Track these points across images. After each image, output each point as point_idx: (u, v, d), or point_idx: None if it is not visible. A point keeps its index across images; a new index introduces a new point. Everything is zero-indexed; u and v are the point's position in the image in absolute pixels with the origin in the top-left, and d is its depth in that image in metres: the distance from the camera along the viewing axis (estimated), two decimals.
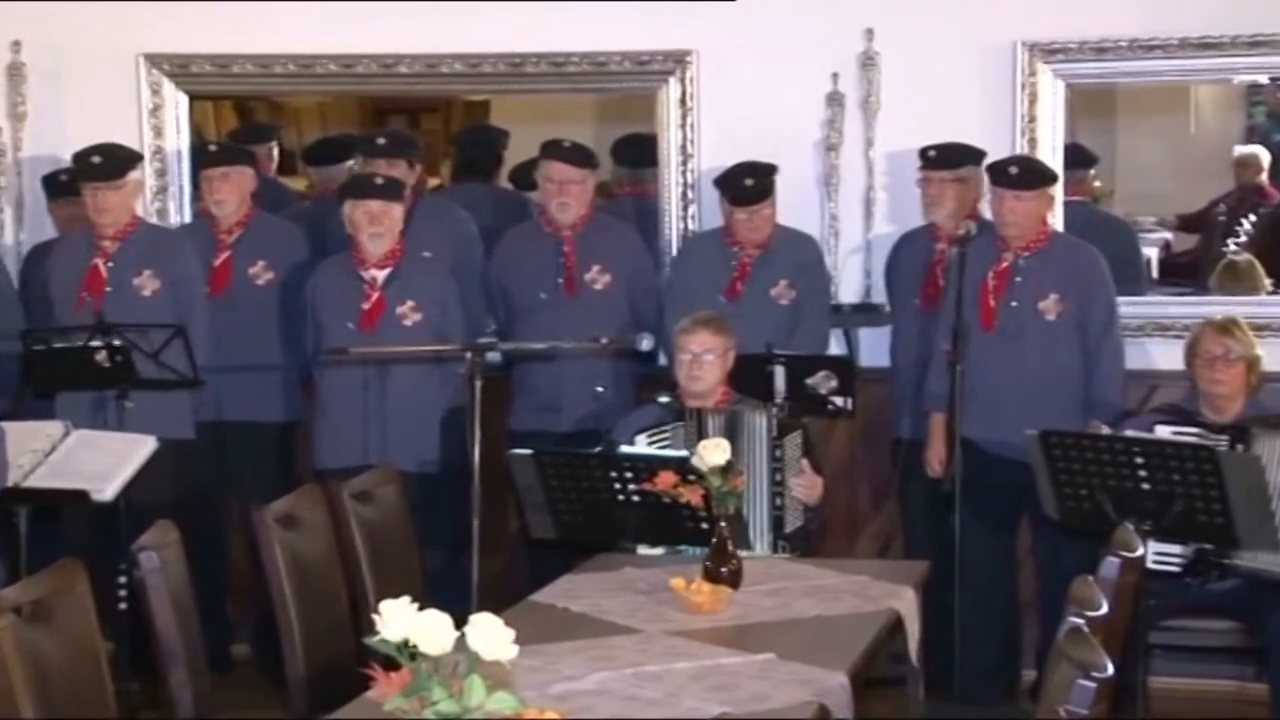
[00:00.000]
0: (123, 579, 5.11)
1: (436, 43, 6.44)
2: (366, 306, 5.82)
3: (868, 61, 6.26)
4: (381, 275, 5.85)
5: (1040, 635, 5.74)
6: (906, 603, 4.32)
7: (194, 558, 3.92)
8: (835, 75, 6.27)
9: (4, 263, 6.28)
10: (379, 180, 5.90)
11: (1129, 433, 5.03)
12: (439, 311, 5.86)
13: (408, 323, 5.81)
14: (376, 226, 5.79)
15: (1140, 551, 3.70)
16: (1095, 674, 2.67)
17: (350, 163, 6.82)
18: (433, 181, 8.12)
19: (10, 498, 4.83)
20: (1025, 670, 5.87)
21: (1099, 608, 3.12)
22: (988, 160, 5.86)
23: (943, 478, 5.58)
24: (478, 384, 4.69)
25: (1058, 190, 6.02)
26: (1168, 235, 8.09)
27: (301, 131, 8.61)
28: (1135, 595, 3.86)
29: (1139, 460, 4.69)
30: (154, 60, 6.53)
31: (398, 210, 5.84)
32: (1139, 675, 4.86)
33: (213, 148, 6.44)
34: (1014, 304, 5.65)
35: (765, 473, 4.93)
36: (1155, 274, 7.42)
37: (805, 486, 4.99)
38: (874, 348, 6.27)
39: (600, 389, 5.80)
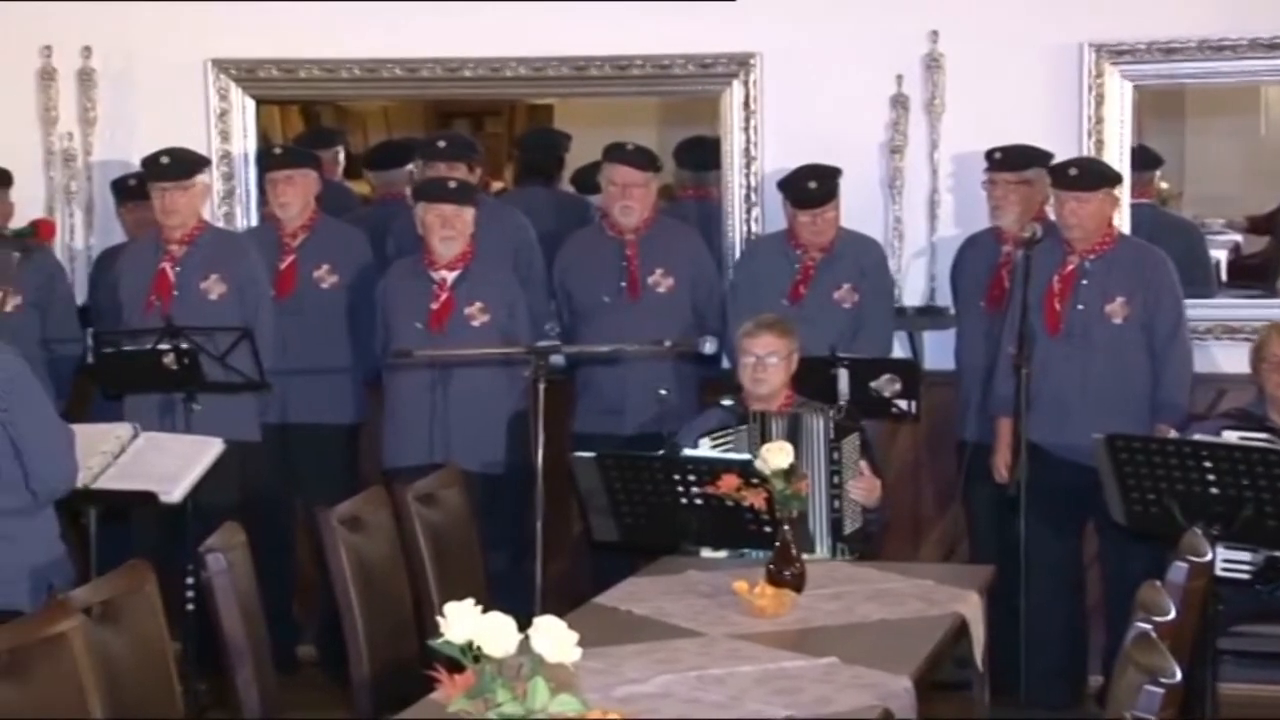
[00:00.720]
0: (190, 580, 5.15)
1: (500, 46, 6.46)
2: (435, 306, 5.85)
3: (932, 63, 6.23)
4: (451, 276, 5.88)
5: (1106, 640, 5.69)
6: (971, 607, 4.29)
7: (260, 559, 3.95)
8: (900, 77, 6.25)
9: (66, 267, 6.35)
10: (452, 184, 5.93)
11: (1197, 437, 4.98)
12: (507, 313, 5.89)
13: (475, 324, 5.84)
14: (448, 230, 5.83)
15: (1209, 556, 3.66)
16: (1163, 679, 2.65)
17: (410, 167, 6.86)
18: (496, 185, 8.15)
19: (80, 499, 4.88)
20: (1092, 675, 5.82)
21: (1167, 613, 3.09)
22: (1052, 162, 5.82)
23: (1008, 482, 5.55)
24: (541, 387, 4.70)
25: (1124, 192, 5.97)
26: (1237, 237, 8.00)
27: (367, 135, 8.65)
28: (1204, 600, 3.82)
29: (1207, 464, 4.64)
30: (222, 65, 6.59)
31: (469, 214, 5.88)
32: (1207, 681, 4.81)
33: (277, 151, 6.48)
34: (1080, 307, 5.61)
35: (824, 475, 4.91)
36: (1224, 276, 7.33)
37: (863, 489, 4.97)
38: (938, 351, 6.24)
39: (663, 392, 5.80)
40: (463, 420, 5.81)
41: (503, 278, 6.00)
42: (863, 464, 4.99)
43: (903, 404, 5.61)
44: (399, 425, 5.90)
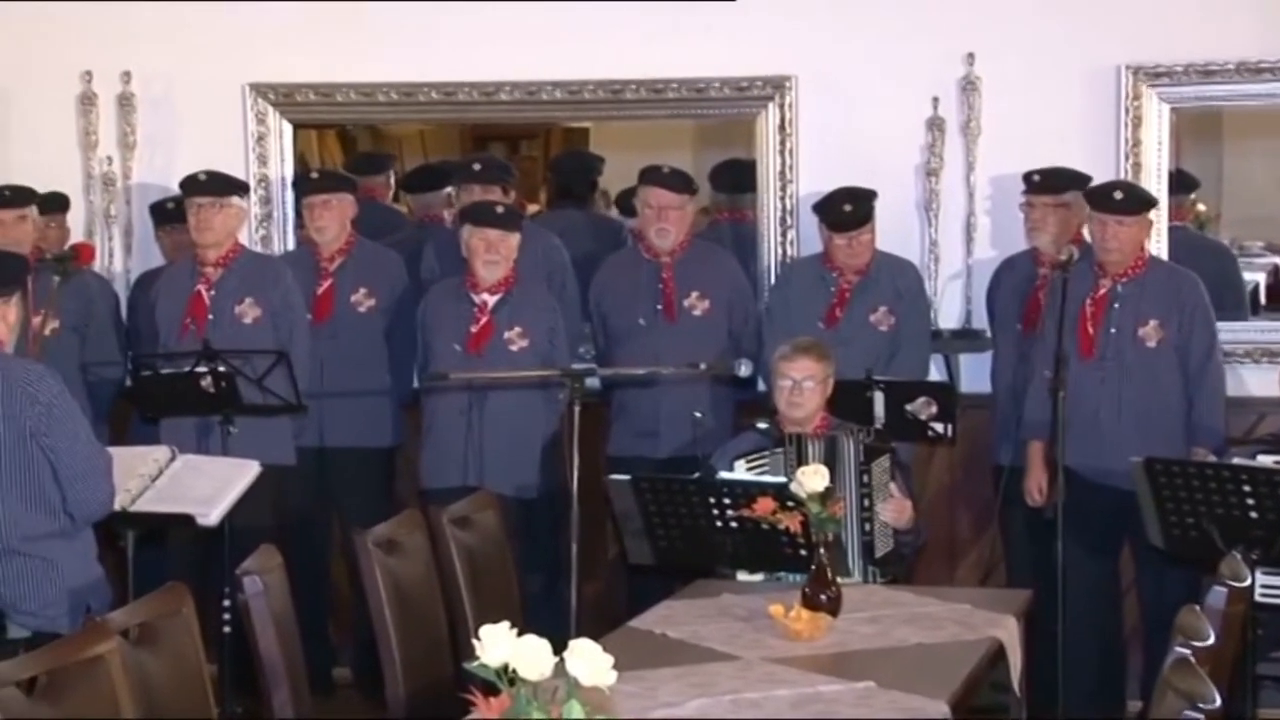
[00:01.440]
0: (227, 602, 5.16)
1: (536, 70, 6.48)
2: (475, 330, 5.87)
3: (969, 86, 6.22)
4: (492, 300, 5.90)
5: (1144, 665, 5.65)
6: (1009, 631, 4.27)
7: (296, 582, 3.96)
8: (935, 100, 6.24)
9: (107, 290, 6.38)
10: (499, 209, 5.96)
11: (1236, 460, 4.95)
12: (547, 339, 5.90)
13: (514, 348, 5.85)
14: (492, 254, 5.84)
15: (1248, 581, 3.63)
16: (1202, 705, 2.63)
17: (448, 190, 6.88)
18: (532, 208, 8.17)
19: (118, 522, 4.90)
20: (1130, 700, 5.78)
21: (1206, 638, 3.07)
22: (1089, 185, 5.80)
23: (1044, 505, 5.52)
24: (576, 409, 4.71)
25: (1161, 215, 5.95)
26: (1277, 260, 7.95)
27: (403, 159, 8.68)
28: (1243, 626, 3.79)
29: (1247, 488, 4.61)
30: (260, 90, 6.62)
31: (514, 239, 5.90)
32: (1247, 707, 4.78)
33: (314, 175, 6.51)
34: (1113, 330, 5.59)
35: (854, 498, 4.90)
36: (1264, 299, 7.29)
37: (892, 511, 4.95)
38: (975, 374, 6.22)
39: (699, 415, 5.80)
40: (497, 444, 5.82)
41: (544, 303, 6.01)
42: (893, 486, 4.98)
43: (938, 427, 5.59)
44: (434, 447, 5.91)
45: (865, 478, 4.93)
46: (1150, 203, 5.68)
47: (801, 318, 5.91)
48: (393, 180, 7.73)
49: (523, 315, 5.90)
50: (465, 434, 5.83)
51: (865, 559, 4.92)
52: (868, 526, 4.92)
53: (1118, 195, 5.58)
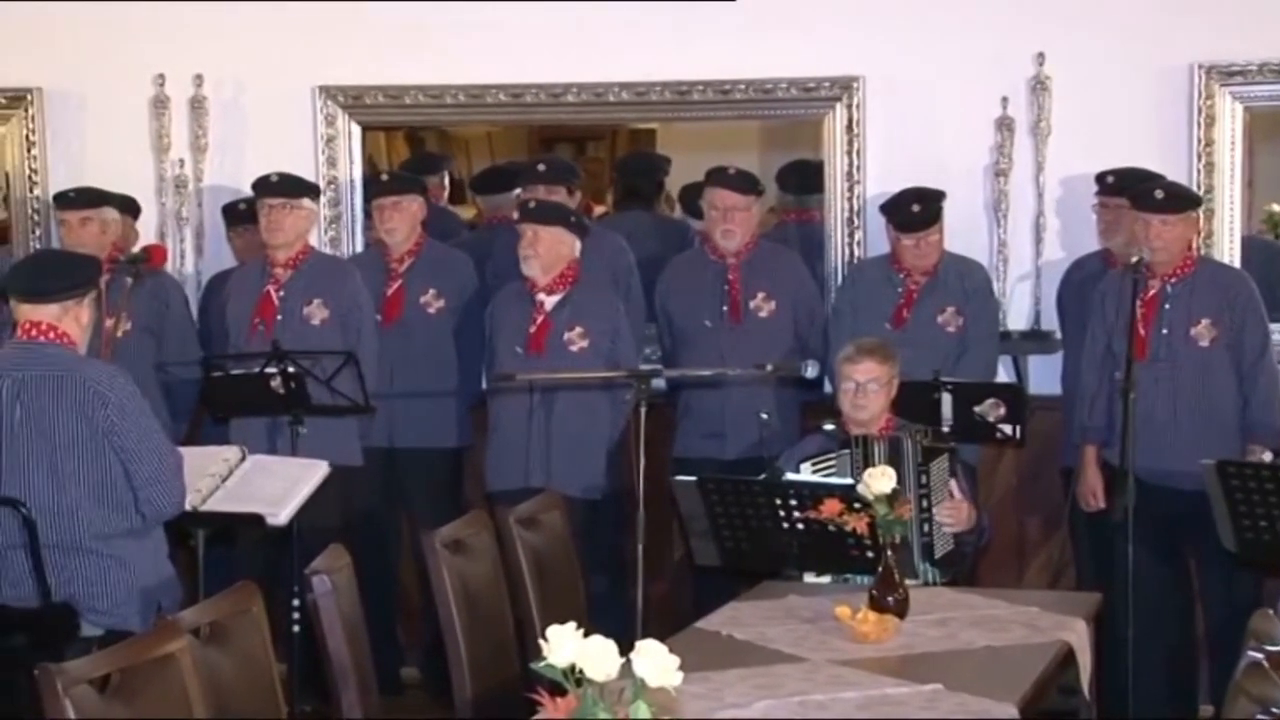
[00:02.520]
0: (296, 602, 5.20)
1: (603, 72, 6.49)
2: (533, 330, 5.88)
3: (1039, 85, 6.18)
4: (551, 300, 5.91)
5: (1213, 669, 5.59)
6: (1078, 634, 4.24)
7: (364, 582, 3.98)
8: (1005, 99, 6.20)
9: (179, 291, 6.43)
10: (532, 204, 5.97)
11: None
12: (609, 339, 5.89)
13: (574, 348, 5.86)
14: (528, 249, 5.85)
15: None
16: (1275, 710, 2.60)
17: (517, 191, 6.91)
18: (598, 209, 8.18)
19: (188, 521, 4.94)
20: (1201, 705, 5.73)
21: (1279, 642, 3.04)
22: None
23: (1110, 508, 5.48)
24: (642, 410, 4.71)
25: (1235, 214, 5.90)
26: None
27: (470, 160, 8.71)
28: None
29: None
30: (329, 92, 6.67)
31: (550, 234, 5.87)
32: None
33: (384, 177, 6.55)
34: (1165, 331, 5.54)
35: (913, 499, 4.87)
36: None
37: (948, 512, 4.91)
38: (1044, 375, 6.18)
39: (765, 416, 5.79)
40: (563, 444, 5.82)
41: (606, 304, 6.01)
42: (951, 485, 4.95)
43: (1007, 428, 5.55)
44: (499, 449, 5.93)
45: (924, 478, 4.90)
46: (1194, 201, 5.63)
47: (868, 318, 5.88)
48: (448, 181, 7.75)
49: (583, 316, 5.90)
50: (529, 435, 5.84)
51: (925, 559, 4.90)
52: (926, 527, 4.89)
53: (1159, 194, 5.53)
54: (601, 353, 5.86)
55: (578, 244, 5.94)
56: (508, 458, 5.87)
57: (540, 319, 5.89)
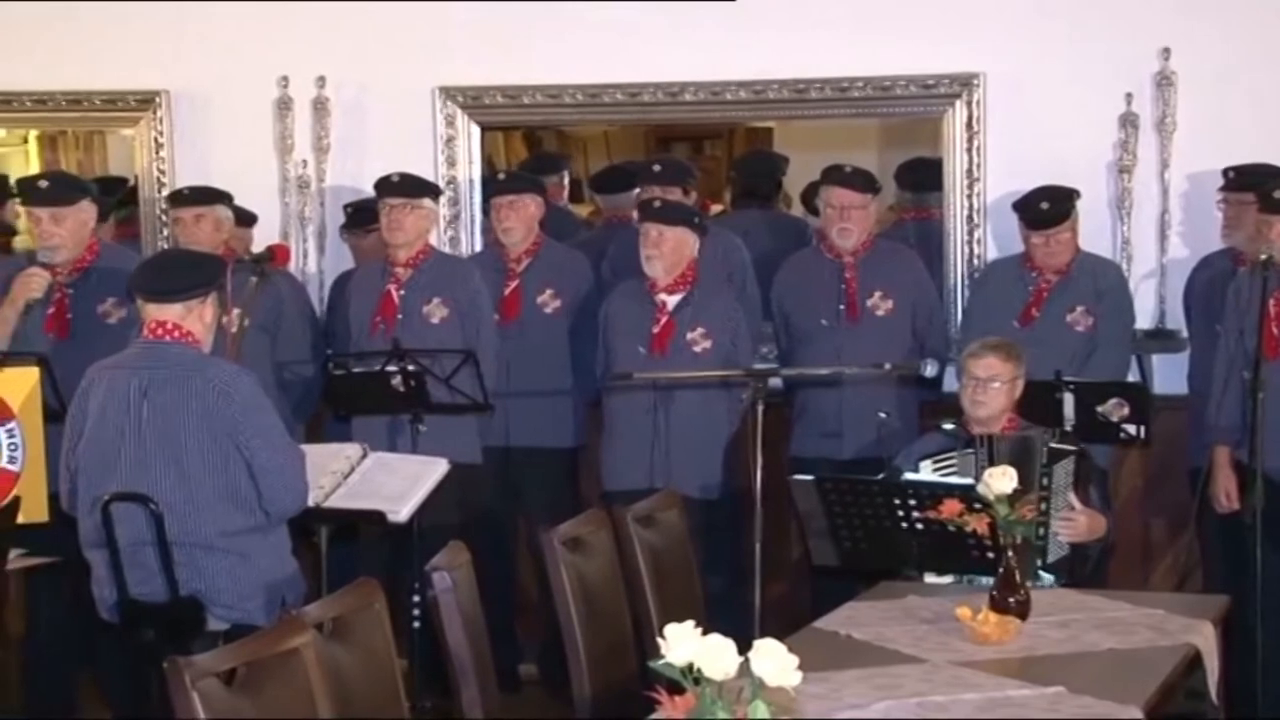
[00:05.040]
0: (416, 598, 5.24)
1: (720, 70, 6.48)
2: (656, 330, 5.88)
3: (1164, 81, 6.09)
4: (673, 300, 5.91)
5: None
6: (1205, 638, 4.17)
7: (482, 579, 4.00)
8: (1129, 96, 6.11)
9: (298, 290, 6.51)
10: (656, 204, 5.97)
11: None
12: (729, 340, 5.89)
13: (697, 349, 5.86)
14: (652, 249, 5.86)
15: None
16: None
17: (636, 190, 6.92)
18: (716, 208, 8.17)
19: (311, 517, 5.00)
20: None
21: None
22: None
23: (1241, 509, 5.38)
24: (759, 409, 4.70)
25: None
26: None
27: (587, 160, 8.75)
28: None
29: None
30: (449, 93, 6.72)
31: (674, 234, 5.87)
32: None
33: (502, 176, 6.59)
34: None
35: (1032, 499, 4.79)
36: None
37: (1064, 523, 4.82)
38: (1169, 374, 6.08)
39: (883, 415, 5.75)
40: (681, 444, 5.82)
41: (726, 304, 6.01)
42: (1070, 497, 4.85)
43: (1131, 429, 5.47)
44: (617, 448, 5.94)
45: (1045, 480, 4.82)
46: None
47: (997, 316, 5.83)
48: (567, 181, 7.78)
49: (705, 316, 5.90)
50: (650, 435, 5.84)
51: (1038, 562, 4.81)
52: (1041, 530, 4.80)
53: (1278, 194, 5.41)
54: (723, 353, 5.85)
55: (698, 244, 5.95)
56: (626, 457, 5.88)
57: (664, 320, 5.90)
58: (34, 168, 7.70)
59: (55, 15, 6.89)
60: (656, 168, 6.50)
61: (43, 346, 5.49)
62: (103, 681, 5.82)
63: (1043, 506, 4.79)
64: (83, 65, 6.90)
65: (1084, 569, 4.95)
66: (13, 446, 5.08)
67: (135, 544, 4.48)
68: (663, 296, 5.92)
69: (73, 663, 5.73)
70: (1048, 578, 4.77)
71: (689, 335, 5.88)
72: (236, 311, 5.41)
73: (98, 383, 4.57)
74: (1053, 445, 4.86)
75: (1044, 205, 5.84)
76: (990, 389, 4.97)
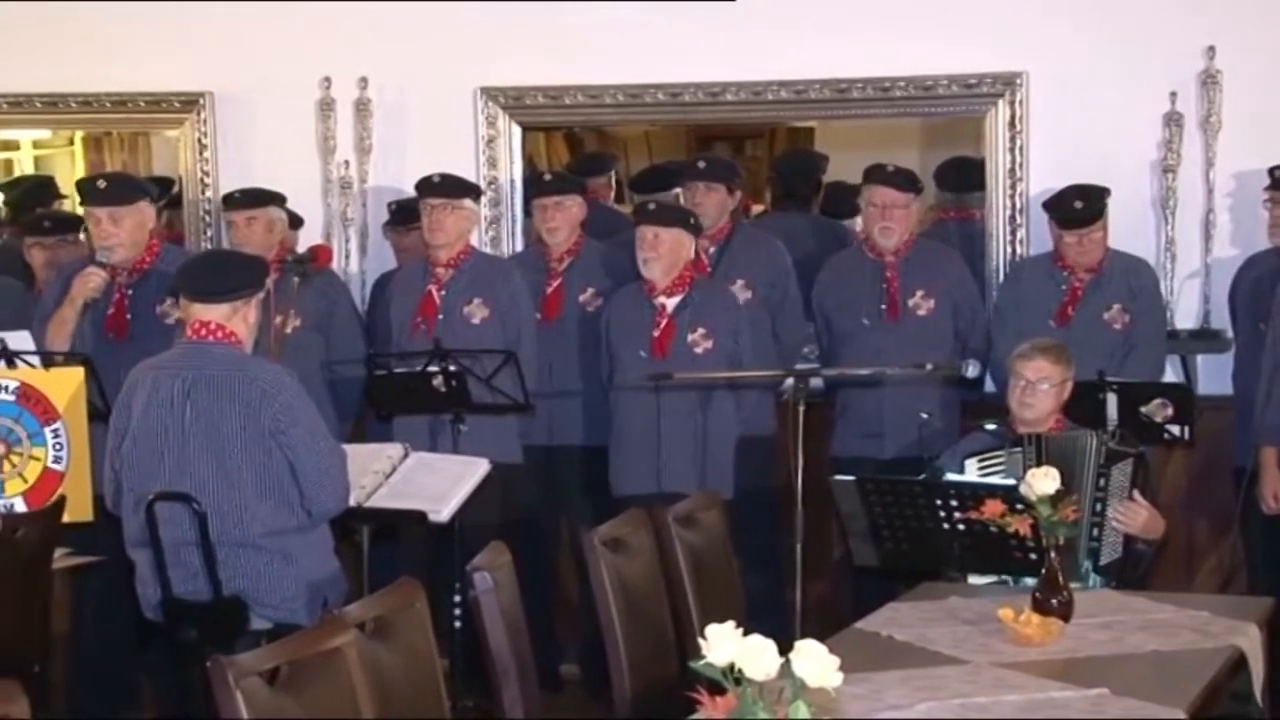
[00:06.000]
0: (457, 598, 5.25)
1: (761, 70, 6.47)
2: (657, 333, 5.88)
3: (1209, 80, 6.05)
4: (671, 303, 5.91)
5: None
6: (1250, 640, 4.14)
7: (523, 579, 4.01)
8: (1173, 94, 6.08)
9: (344, 290, 6.54)
10: (651, 206, 6.00)
11: None
12: (732, 339, 5.88)
13: (698, 350, 5.85)
14: (649, 252, 5.86)
15: None
16: None
17: (676, 190, 6.92)
18: (757, 208, 8.17)
19: (353, 517, 5.02)
20: None
21: None
22: None
23: None
24: (801, 409, 4.69)
25: None
26: None
27: (628, 160, 8.76)
28: None
29: None
30: (490, 93, 6.74)
31: (670, 235, 5.86)
32: None
33: (546, 177, 6.59)
34: None
35: (1087, 502, 4.76)
36: None
37: (1123, 512, 4.79)
38: (1213, 375, 6.04)
39: (925, 416, 5.74)
40: (683, 447, 5.81)
41: (726, 302, 6.00)
42: (1136, 494, 4.82)
43: (1175, 429, 5.43)
44: (626, 453, 5.90)
45: (1102, 481, 4.79)
46: None
47: (1031, 316, 5.81)
48: (614, 180, 7.78)
49: (704, 316, 5.89)
50: (655, 439, 5.82)
51: (1090, 563, 4.79)
52: (1096, 532, 4.78)
53: None
54: (726, 353, 5.84)
55: (694, 245, 5.93)
56: (632, 463, 5.87)
57: (664, 322, 5.90)
58: (79, 169, 7.77)
59: (100, 18, 6.94)
60: (701, 165, 6.50)
61: (102, 346, 5.54)
62: (148, 681, 5.86)
63: (1098, 508, 4.76)
64: (127, 67, 6.95)
65: (1134, 572, 4.91)
66: (58, 446, 5.12)
67: (179, 543, 4.51)
68: (662, 299, 5.91)
69: (118, 662, 5.77)
70: (1097, 579, 4.75)
71: (690, 337, 5.87)
72: (289, 312, 5.43)
73: (141, 383, 4.59)
74: (1112, 446, 4.82)
75: (1078, 204, 5.82)
76: (1039, 391, 4.93)
